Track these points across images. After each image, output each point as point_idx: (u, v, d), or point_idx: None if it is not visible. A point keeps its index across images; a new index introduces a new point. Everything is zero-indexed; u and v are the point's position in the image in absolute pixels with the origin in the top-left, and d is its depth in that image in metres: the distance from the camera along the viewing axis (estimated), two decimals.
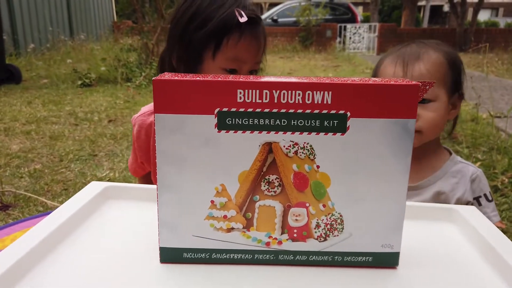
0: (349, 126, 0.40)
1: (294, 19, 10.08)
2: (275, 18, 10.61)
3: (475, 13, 9.85)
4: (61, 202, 1.54)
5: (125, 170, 2.16)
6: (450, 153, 0.90)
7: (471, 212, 0.55)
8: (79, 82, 4.56)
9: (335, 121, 0.40)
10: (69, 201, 0.54)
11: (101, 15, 9.71)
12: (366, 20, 12.95)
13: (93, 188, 0.58)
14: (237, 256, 0.44)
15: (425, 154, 0.86)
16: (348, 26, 9.88)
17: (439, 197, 0.84)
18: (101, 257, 0.45)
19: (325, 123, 0.40)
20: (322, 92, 0.39)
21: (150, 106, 0.88)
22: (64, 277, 0.41)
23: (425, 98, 0.79)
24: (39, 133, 2.76)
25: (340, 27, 9.85)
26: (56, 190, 1.94)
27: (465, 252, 0.49)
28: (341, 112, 0.40)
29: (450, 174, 0.85)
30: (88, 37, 7.82)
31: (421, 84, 0.40)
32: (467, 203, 0.83)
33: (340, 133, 0.41)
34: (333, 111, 0.40)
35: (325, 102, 0.40)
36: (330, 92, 0.39)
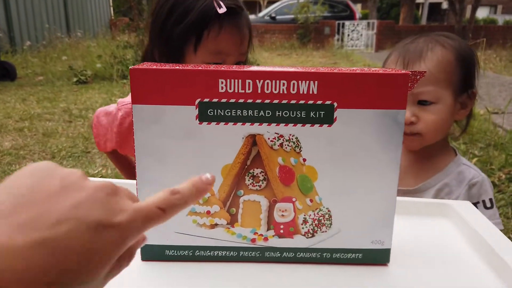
0: (336, 117, 0.39)
1: (292, 16, 10.04)
2: (273, 15, 10.56)
3: (474, 10, 9.83)
4: None
5: None
6: (456, 154, 0.86)
7: (465, 207, 0.54)
8: (75, 79, 4.53)
9: (322, 112, 0.38)
10: None
11: (98, 12, 9.67)
12: (364, 17, 12.92)
13: None
14: (222, 253, 0.43)
15: (430, 155, 0.83)
16: (347, 23, 9.84)
17: (436, 198, 0.82)
18: None
19: (311, 114, 0.38)
20: (307, 82, 0.38)
21: None
22: None
23: (426, 100, 0.77)
24: (32, 130, 2.74)
25: (339, 24, 9.81)
26: None
27: (459, 248, 0.47)
28: (328, 102, 0.38)
29: (452, 176, 0.82)
30: (85, 34, 7.78)
31: (411, 73, 0.39)
32: None
33: (327, 125, 0.39)
34: (319, 102, 0.38)
35: (310, 92, 0.38)
36: (316, 82, 0.38)
